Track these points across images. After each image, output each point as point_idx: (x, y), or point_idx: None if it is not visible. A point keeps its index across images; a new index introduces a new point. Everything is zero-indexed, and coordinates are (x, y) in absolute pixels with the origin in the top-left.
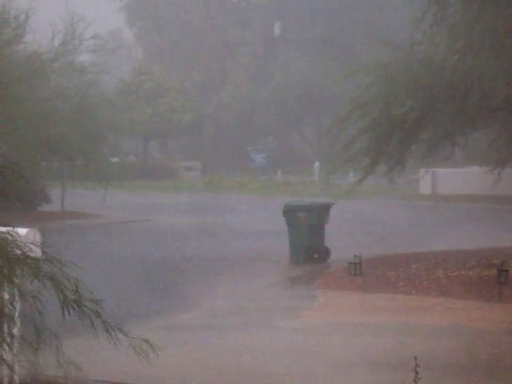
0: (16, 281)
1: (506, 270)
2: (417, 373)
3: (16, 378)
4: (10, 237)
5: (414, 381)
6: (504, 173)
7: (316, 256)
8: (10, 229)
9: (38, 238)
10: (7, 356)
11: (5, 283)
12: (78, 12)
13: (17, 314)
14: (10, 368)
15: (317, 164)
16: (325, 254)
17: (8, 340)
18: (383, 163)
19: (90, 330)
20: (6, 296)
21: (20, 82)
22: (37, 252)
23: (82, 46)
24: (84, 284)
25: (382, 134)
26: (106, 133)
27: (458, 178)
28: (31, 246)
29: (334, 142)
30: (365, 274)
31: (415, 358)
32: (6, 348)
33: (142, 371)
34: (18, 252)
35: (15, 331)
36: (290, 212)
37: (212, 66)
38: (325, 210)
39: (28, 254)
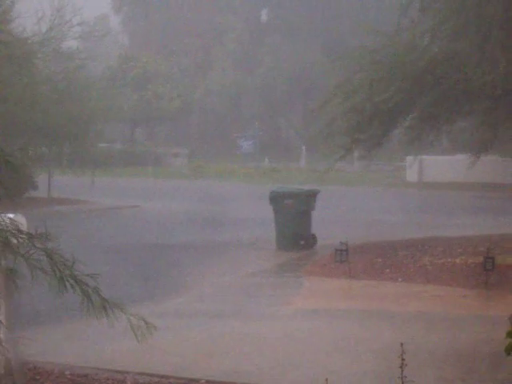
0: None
1: (492, 258)
2: (403, 359)
3: (1, 363)
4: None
5: (400, 367)
6: (488, 160)
7: (302, 243)
8: None
9: (24, 223)
10: None
11: None
12: None
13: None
14: None
15: (303, 148)
16: (311, 240)
17: None
18: (362, 143)
19: (84, 310)
20: None
21: (6, 67)
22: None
23: (70, 32)
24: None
25: (364, 116)
26: (92, 118)
27: (444, 165)
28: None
29: (317, 124)
30: (351, 260)
31: (401, 344)
32: None
33: (132, 357)
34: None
35: (1, 316)
36: (276, 199)
37: (199, 52)
38: (311, 196)
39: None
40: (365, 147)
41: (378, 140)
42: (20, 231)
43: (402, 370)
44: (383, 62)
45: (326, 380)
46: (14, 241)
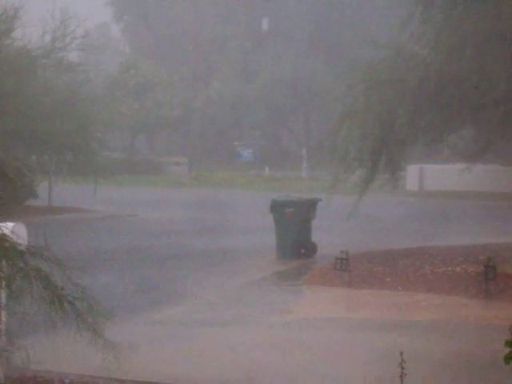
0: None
1: (493, 266)
2: (403, 368)
3: (1, 372)
4: None
5: (400, 376)
6: (489, 168)
7: (303, 251)
8: None
9: (24, 232)
10: None
11: None
12: (66, 7)
13: (2, 306)
14: None
15: (304, 157)
16: (312, 249)
17: None
18: (381, 172)
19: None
20: None
21: (9, 77)
22: (23, 246)
23: (72, 44)
24: (72, 279)
25: (376, 144)
26: (93, 127)
27: (444, 174)
28: (18, 240)
29: (329, 153)
30: (351, 269)
31: (401, 353)
32: None
33: (130, 366)
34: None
35: (0, 325)
36: (277, 207)
37: (200, 60)
38: (312, 205)
39: (15, 246)
40: (385, 174)
41: (398, 166)
42: (14, 249)
43: (402, 379)
44: (384, 77)
45: None
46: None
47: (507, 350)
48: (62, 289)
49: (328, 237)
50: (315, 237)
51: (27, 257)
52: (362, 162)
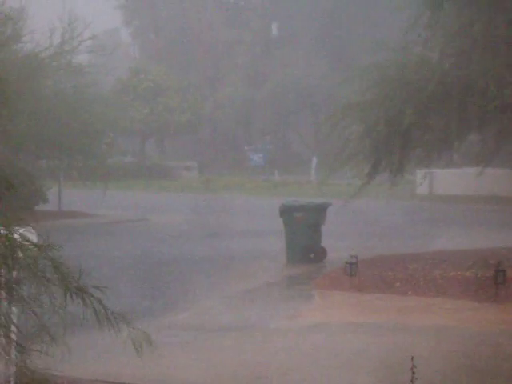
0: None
1: (503, 271)
2: (413, 373)
3: (12, 375)
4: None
5: (411, 381)
6: (499, 173)
7: (312, 256)
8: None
9: (34, 237)
10: (3, 353)
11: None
12: (76, 12)
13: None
14: (6, 365)
15: (314, 160)
16: (321, 253)
17: (4, 336)
18: (383, 169)
19: (89, 324)
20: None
21: (18, 81)
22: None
23: (80, 46)
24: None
25: (381, 140)
26: (103, 131)
27: (454, 178)
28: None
29: (328, 139)
30: (361, 274)
31: (412, 358)
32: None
33: (137, 371)
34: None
35: (12, 327)
36: (286, 212)
37: (209, 65)
38: (321, 210)
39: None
40: (389, 172)
41: (400, 166)
42: (28, 241)
43: None
44: (393, 79)
45: None
46: (21, 254)
47: None
48: (79, 277)
49: (337, 241)
50: (325, 241)
51: (40, 249)
52: (363, 155)
